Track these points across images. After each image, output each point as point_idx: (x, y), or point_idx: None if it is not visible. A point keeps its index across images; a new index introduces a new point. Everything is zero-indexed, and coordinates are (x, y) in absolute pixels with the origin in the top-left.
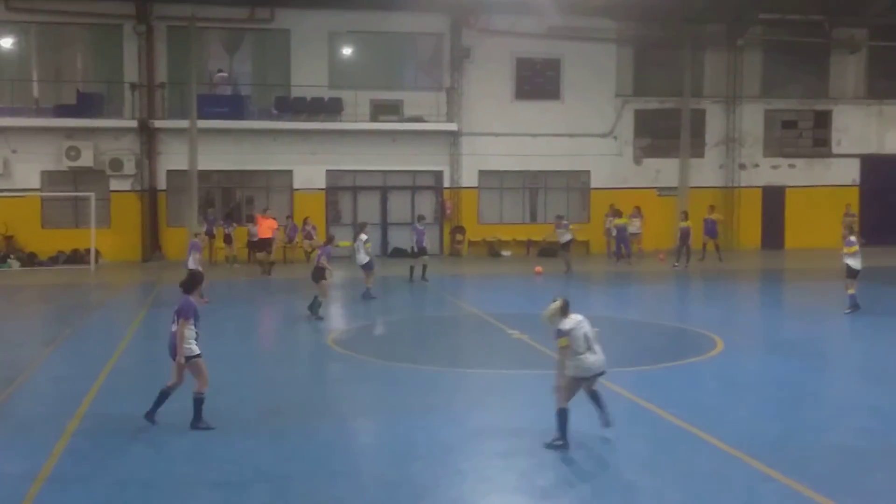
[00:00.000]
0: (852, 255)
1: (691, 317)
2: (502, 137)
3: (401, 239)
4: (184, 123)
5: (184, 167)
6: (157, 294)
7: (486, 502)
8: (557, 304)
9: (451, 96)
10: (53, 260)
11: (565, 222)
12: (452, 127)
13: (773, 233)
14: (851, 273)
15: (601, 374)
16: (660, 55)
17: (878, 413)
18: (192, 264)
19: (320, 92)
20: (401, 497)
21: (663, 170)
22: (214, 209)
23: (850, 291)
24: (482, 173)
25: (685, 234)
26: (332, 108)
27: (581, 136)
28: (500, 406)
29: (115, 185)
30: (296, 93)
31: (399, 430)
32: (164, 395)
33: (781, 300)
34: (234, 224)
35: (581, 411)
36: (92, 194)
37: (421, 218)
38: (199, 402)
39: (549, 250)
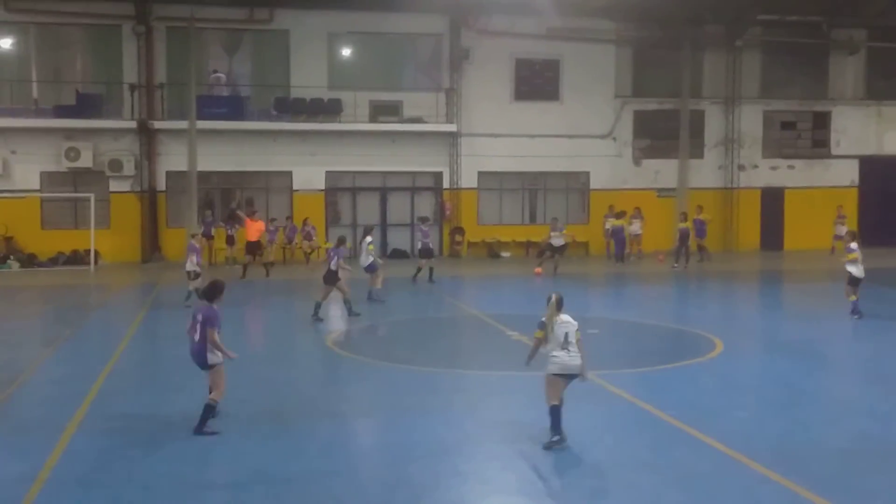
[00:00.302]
0: (853, 262)
1: (691, 318)
2: (501, 138)
3: (400, 240)
4: (183, 124)
5: (183, 168)
6: (157, 295)
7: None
8: (554, 299)
9: (451, 97)
10: (53, 261)
11: (560, 225)
12: (452, 128)
13: (772, 234)
14: (853, 280)
15: (575, 376)
16: (659, 56)
17: (876, 415)
18: (189, 266)
19: (319, 93)
20: (399, 498)
21: (662, 171)
22: (212, 212)
23: (853, 298)
24: (481, 174)
25: (684, 235)
26: (331, 109)
27: (580, 137)
28: (500, 407)
29: (114, 185)
30: (295, 94)
31: (398, 431)
32: (211, 409)
33: (780, 301)
34: (237, 225)
35: (579, 414)
36: (91, 195)
37: (425, 219)
38: (209, 409)
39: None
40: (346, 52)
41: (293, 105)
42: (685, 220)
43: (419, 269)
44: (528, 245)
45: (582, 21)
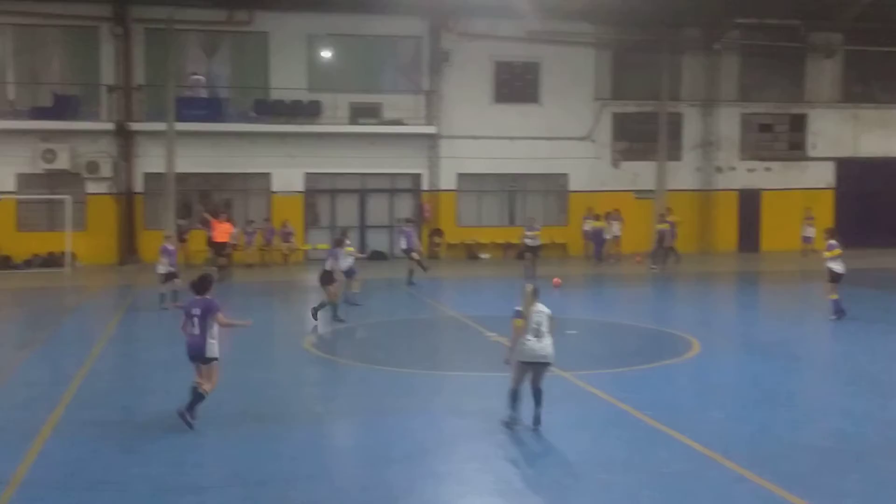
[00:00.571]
0: (835, 258)
1: (668, 319)
2: (481, 140)
3: (379, 242)
4: (161, 126)
5: (161, 170)
6: (133, 298)
7: None
8: (530, 289)
9: (431, 99)
10: (28, 263)
11: (536, 225)
12: (431, 130)
13: (749, 235)
14: (834, 277)
15: (547, 364)
16: (638, 59)
17: (850, 414)
18: (160, 269)
19: (299, 95)
20: (376, 500)
21: (641, 173)
22: (190, 219)
23: (833, 297)
24: (461, 176)
25: (662, 237)
26: (310, 111)
27: (559, 139)
28: (478, 408)
29: (91, 187)
30: (274, 95)
31: (376, 433)
32: (201, 398)
33: (757, 302)
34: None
35: (557, 413)
36: (68, 197)
37: (409, 221)
38: (200, 397)
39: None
40: (325, 54)
41: (272, 107)
42: (663, 221)
43: (412, 271)
44: (507, 247)
45: (561, 24)
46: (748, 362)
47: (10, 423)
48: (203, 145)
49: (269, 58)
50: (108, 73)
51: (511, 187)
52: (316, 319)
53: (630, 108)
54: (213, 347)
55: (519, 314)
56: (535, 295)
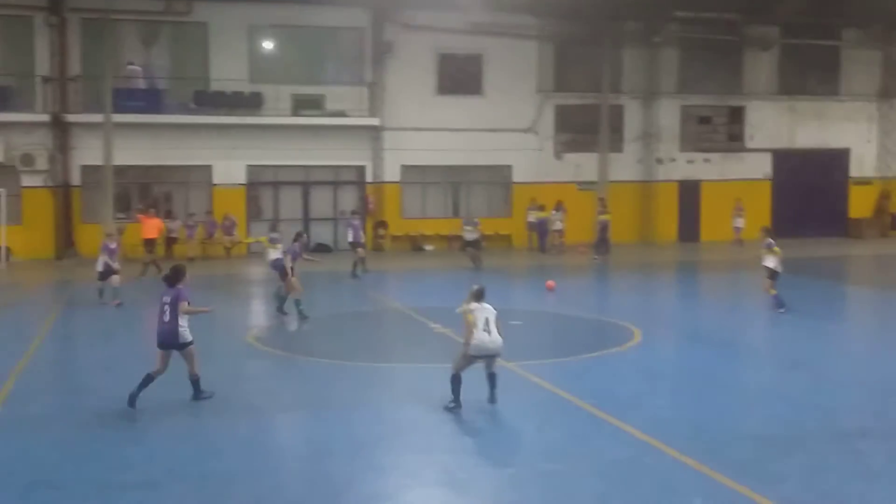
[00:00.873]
0: (773, 256)
1: (610, 308)
2: (425, 132)
3: (323, 234)
4: (98, 118)
5: (99, 162)
6: (71, 293)
7: (405, 496)
8: (475, 289)
9: (374, 91)
10: None
11: (474, 220)
12: (375, 122)
13: (688, 226)
14: (773, 275)
15: (496, 355)
16: (580, 52)
17: (788, 400)
18: (101, 266)
19: (240, 86)
20: (319, 493)
21: (583, 164)
22: (128, 213)
23: (773, 292)
24: (405, 168)
25: (604, 227)
26: (252, 103)
27: (503, 131)
28: (422, 400)
29: (26, 180)
30: (215, 87)
31: (319, 427)
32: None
33: (697, 291)
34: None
35: (500, 404)
36: (2, 190)
37: (354, 213)
38: (197, 383)
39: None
40: (266, 45)
41: (213, 98)
42: (604, 212)
43: (356, 263)
44: (452, 238)
45: (504, 16)
46: (689, 351)
47: None
48: (142, 137)
49: (209, 48)
50: (43, 64)
51: (455, 179)
52: (306, 316)
53: (572, 100)
54: (185, 333)
55: (468, 310)
56: (481, 295)
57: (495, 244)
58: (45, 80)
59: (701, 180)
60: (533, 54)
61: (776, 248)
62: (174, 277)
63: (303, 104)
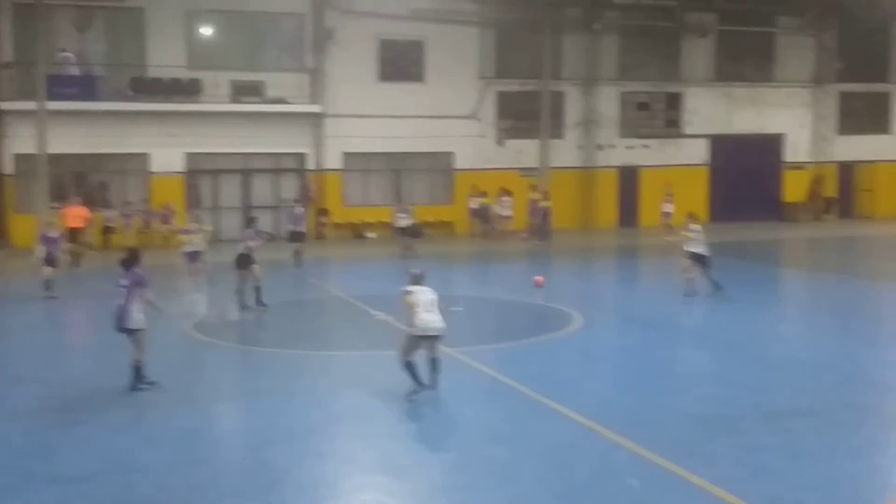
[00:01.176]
0: (695, 241)
1: (551, 294)
2: (366, 119)
3: (264, 222)
4: (32, 105)
5: (33, 151)
6: (4, 285)
7: (346, 483)
8: (414, 273)
9: (315, 78)
10: None
11: (406, 207)
12: (316, 109)
13: (628, 211)
14: (698, 258)
15: (438, 336)
16: (521, 38)
17: (723, 381)
18: (40, 254)
19: (178, 72)
20: (260, 482)
21: (525, 151)
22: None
23: (691, 275)
24: (346, 155)
25: (545, 214)
26: (190, 89)
27: (445, 117)
28: (364, 387)
29: None
30: (152, 73)
31: (260, 415)
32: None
33: (636, 276)
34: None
35: (442, 389)
36: None
37: (297, 201)
38: (137, 370)
39: (413, 231)
40: (205, 30)
41: (150, 85)
42: (546, 198)
43: (299, 252)
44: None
45: (445, 2)
46: (628, 334)
47: None
48: (77, 125)
49: (145, 34)
50: None
51: (397, 166)
52: (243, 304)
53: (514, 86)
54: (137, 319)
55: (407, 292)
56: (420, 279)
57: (437, 231)
58: None
59: (640, 166)
60: (474, 41)
61: (691, 233)
62: (130, 260)
63: (242, 91)
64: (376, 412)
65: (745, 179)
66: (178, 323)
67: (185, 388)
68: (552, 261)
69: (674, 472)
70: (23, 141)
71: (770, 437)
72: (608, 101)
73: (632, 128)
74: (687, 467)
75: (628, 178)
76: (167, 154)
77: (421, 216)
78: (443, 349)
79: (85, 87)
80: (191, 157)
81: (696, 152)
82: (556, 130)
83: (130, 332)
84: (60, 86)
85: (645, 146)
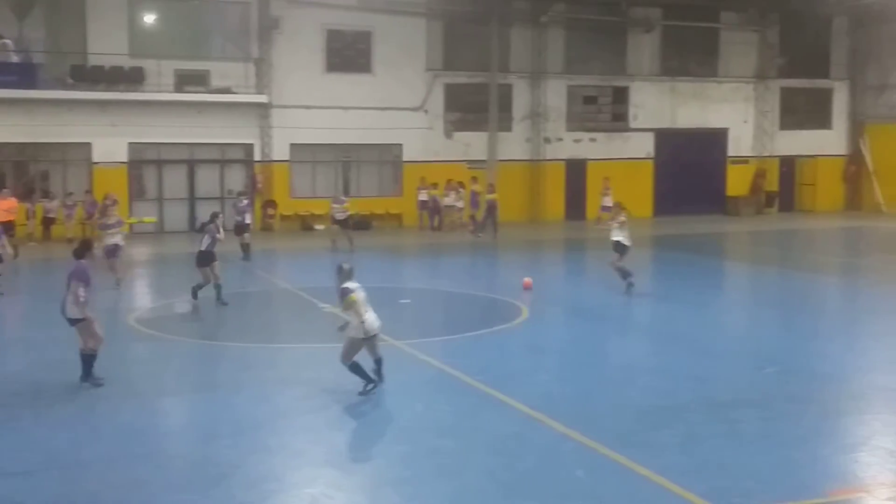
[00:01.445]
0: (620, 230)
1: (499, 286)
2: (314, 110)
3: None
4: None
5: None
6: None
7: (294, 476)
8: (346, 268)
9: (261, 67)
10: None
11: (342, 198)
12: (262, 99)
13: (575, 204)
14: (621, 249)
15: (378, 335)
16: (468, 30)
17: (666, 373)
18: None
19: (120, 60)
20: (206, 476)
21: (473, 143)
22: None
23: (618, 265)
24: (294, 146)
25: (491, 207)
26: (132, 78)
27: (392, 109)
28: (312, 380)
29: None
30: (93, 61)
31: (205, 409)
32: (90, 358)
33: (582, 269)
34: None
35: (389, 382)
36: None
37: (241, 194)
38: (88, 358)
39: (362, 224)
40: (148, 18)
41: (91, 73)
42: (492, 191)
43: (245, 246)
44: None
45: None
46: (574, 326)
47: None
48: (16, 113)
49: (86, 21)
50: None
51: (345, 158)
52: (196, 299)
53: (461, 78)
54: (75, 310)
55: (349, 290)
56: (352, 273)
57: (386, 223)
58: None
59: (587, 159)
60: (422, 32)
61: (621, 223)
62: (80, 251)
63: (186, 80)
64: (324, 406)
65: (690, 173)
66: (121, 316)
67: (129, 382)
68: (499, 253)
69: (619, 462)
70: None
71: (714, 428)
72: (555, 94)
73: (579, 121)
74: (632, 458)
75: (576, 171)
76: (110, 143)
77: (369, 208)
78: (391, 341)
79: (24, 74)
80: (134, 147)
81: (641, 146)
82: (504, 123)
83: (72, 322)
84: None
85: (592, 140)
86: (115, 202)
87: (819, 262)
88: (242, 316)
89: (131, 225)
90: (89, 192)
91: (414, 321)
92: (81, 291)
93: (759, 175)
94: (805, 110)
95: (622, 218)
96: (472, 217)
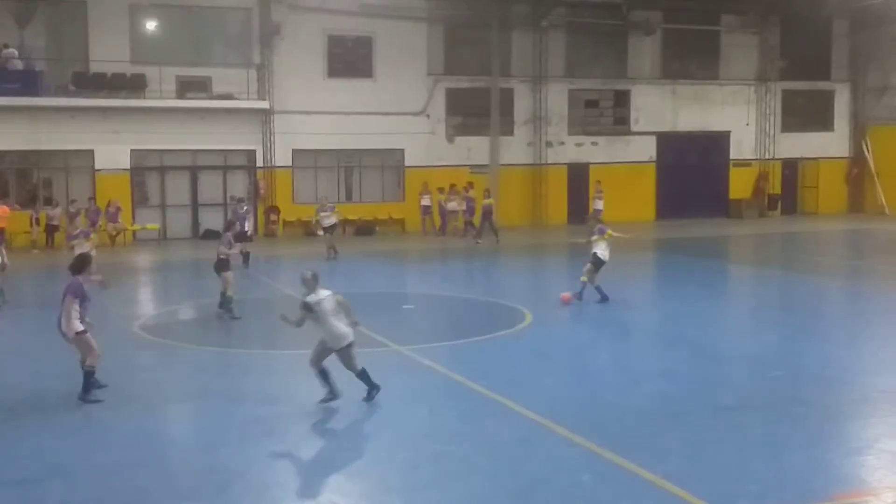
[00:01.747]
0: (604, 243)
1: (503, 291)
2: (315, 116)
3: (212, 220)
4: None
5: None
6: None
7: (297, 484)
8: (309, 275)
9: (262, 73)
10: None
11: (330, 205)
12: (264, 105)
13: (577, 208)
14: (598, 262)
15: (350, 343)
16: (469, 35)
17: (672, 377)
18: None
19: (122, 67)
20: (210, 484)
21: (475, 147)
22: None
23: (584, 280)
24: (296, 152)
25: (487, 212)
26: (134, 85)
27: (394, 114)
28: (314, 387)
29: None
30: (95, 68)
31: (209, 417)
32: (88, 374)
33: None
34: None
35: (393, 387)
36: None
37: (241, 200)
38: (88, 374)
39: (364, 229)
40: (149, 25)
41: (93, 80)
42: (488, 196)
43: (247, 255)
44: (345, 223)
45: None
46: (578, 331)
47: None
48: (19, 121)
49: (88, 28)
50: None
51: (347, 163)
52: (231, 315)
53: (463, 83)
54: (69, 325)
55: (308, 305)
56: (317, 280)
57: (389, 228)
58: None
59: (589, 163)
60: (423, 37)
61: (610, 232)
62: (75, 267)
63: (188, 87)
64: (328, 412)
65: (692, 176)
66: (125, 323)
67: (133, 389)
68: (502, 258)
69: (625, 467)
70: None
71: (718, 432)
72: (557, 98)
73: (580, 125)
74: (638, 462)
75: (578, 175)
76: (112, 150)
77: (372, 213)
78: (395, 347)
79: (26, 82)
80: (137, 153)
81: (643, 149)
82: (506, 127)
83: (69, 340)
84: (0, 81)
85: (594, 143)
86: (118, 209)
87: (823, 264)
88: (245, 323)
89: (123, 234)
90: (92, 198)
91: (418, 326)
92: (76, 307)
93: (762, 178)
94: (807, 112)
95: (602, 227)
96: (470, 223)
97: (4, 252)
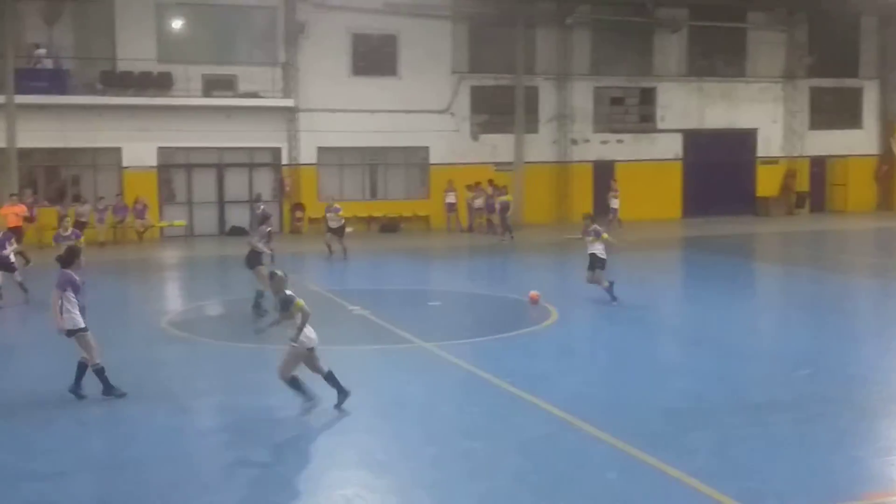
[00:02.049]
0: (600, 244)
1: (528, 288)
2: (340, 114)
3: (239, 217)
4: (0, 99)
5: (2, 145)
6: None
7: (326, 478)
8: (280, 275)
9: (287, 72)
10: None
11: (336, 206)
12: (289, 103)
13: (603, 205)
14: (597, 263)
15: (316, 346)
16: (494, 33)
17: (698, 375)
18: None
19: (148, 66)
20: (239, 479)
21: (499, 145)
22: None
23: (605, 285)
24: (321, 150)
25: (504, 208)
26: (161, 83)
27: (419, 112)
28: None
29: None
30: (122, 67)
31: (237, 412)
32: (99, 373)
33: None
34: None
35: (419, 384)
36: None
37: (258, 199)
38: (99, 373)
39: (389, 226)
40: (175, 23)
41: (120, 78)
42: (504, 193)
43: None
44: (370, 220)
45: None
46: (604, 328)
47: None
48: (47, 119)
49: (115, 27)
50: None
51: (372, 161)
52: (260, 312)
53: (487, 81)
54: (70, 320)
55: (294, 297)
56: (285, 281)
57: (414, 226)
58: None
59: (614, 161)
60: (447, 35)
61: (605, 235)
62: (65, 260)
63: (214, 85)
64: (354, 407)
65: (719, 174)
66: (153, 319)
67: (161, 384)
68: (529, 255)
69: (651, 464)
70: None
71: (746, 430)
72: (582, 95)
73: (606, 123)
74: (664, 460)
75: (603, 172)
76: (139, 148)
77: (397, 211)
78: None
79: (54, 80)
80: (163, 151)
81: (669, 147)
82: (531, 125)
83: (67, 335)
84: (30, 79)
85: (619, 141)
86: (145, 206)
87: (851, 263)
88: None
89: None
90: (120, 195)
91: (443, 323)
92: (72, 297)
93: (790, 175)
94: (835, 110)
95: (597, 228)
96: (490, 221)
97: (21, 248)
